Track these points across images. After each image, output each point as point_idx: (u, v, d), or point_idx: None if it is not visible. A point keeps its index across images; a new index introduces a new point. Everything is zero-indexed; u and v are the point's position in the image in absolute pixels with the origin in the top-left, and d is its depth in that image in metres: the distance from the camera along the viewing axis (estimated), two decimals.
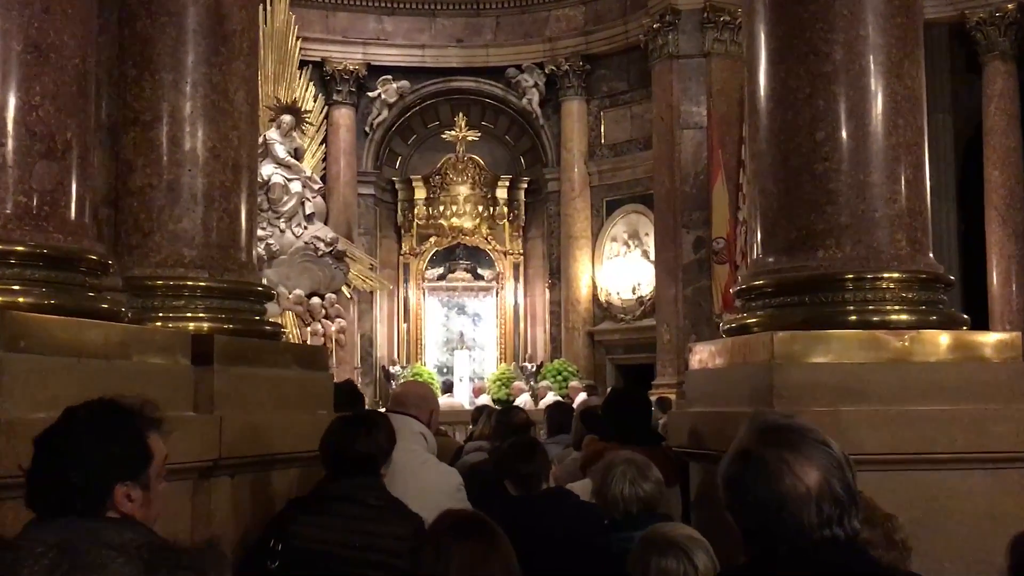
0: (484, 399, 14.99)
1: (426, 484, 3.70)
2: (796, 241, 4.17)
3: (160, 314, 4.08)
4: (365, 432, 3.30)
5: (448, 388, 15.56)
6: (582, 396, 13.58)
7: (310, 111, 16.93)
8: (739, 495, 1.93)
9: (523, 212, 18.96)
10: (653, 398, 13.27)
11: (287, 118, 16.35)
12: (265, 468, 3.92)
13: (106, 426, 2.08)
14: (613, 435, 4.54)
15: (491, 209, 18.64)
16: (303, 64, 17.06)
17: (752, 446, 1.95)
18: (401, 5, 18.31)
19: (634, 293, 17.16)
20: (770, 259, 4.26)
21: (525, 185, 18.97)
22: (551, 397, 14.39)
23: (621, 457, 3.37)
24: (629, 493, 3.27)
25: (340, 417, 3.43)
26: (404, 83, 18.43)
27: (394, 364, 17.61)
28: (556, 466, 4.90)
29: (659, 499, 3.29)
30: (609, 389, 5.77)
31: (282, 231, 16.07)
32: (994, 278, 14.08)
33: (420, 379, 16.72)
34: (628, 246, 17.44)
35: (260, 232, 14.87)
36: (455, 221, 18.42)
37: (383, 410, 4.49)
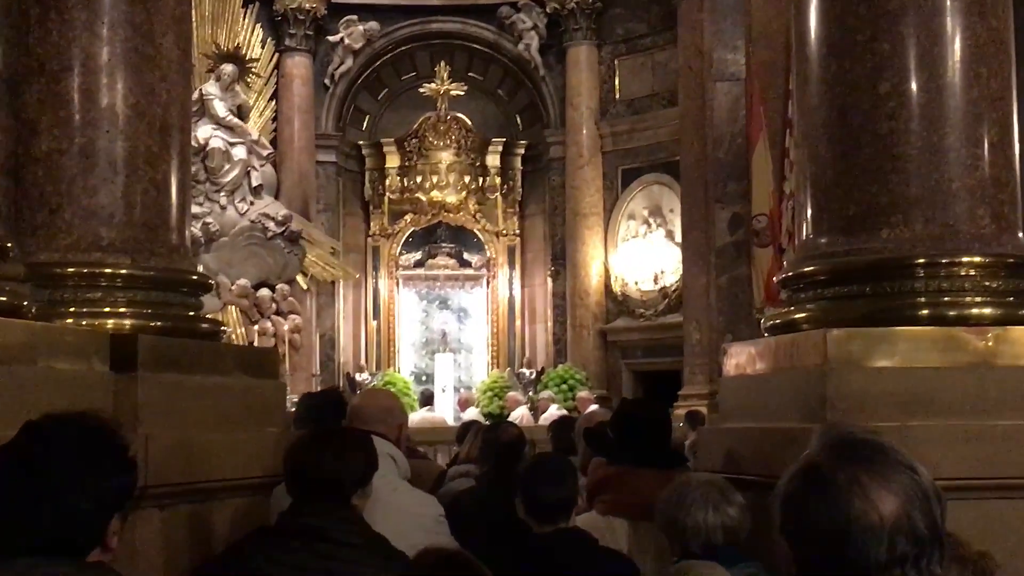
0: (472, 413, 15.01)
1: (400, 516, 3.70)
2: (855, 218, 4.16)
3: (71, 309, 4.06)
4: (334, 451, 3.30)
5: (428, 400, 15.59)
6: (592, 409, 13.59)
7: (257, 60, 16.90)
8: (798, 517, 1.94)
9: (519, 184, 18.98)
10: (680, 412, 13.37)
11: (228, 68, 16.31)
12: (202, 499, 3.91)
13: (93, 446, 2.12)
14: (624, 456, 4.54)
15: (480, 180, 18.64)
16: (248, 2, 17.00)
17: (822, 461, 1.95)
18: None
19: (656, 283, 17.19)
20: (823, 240, 4.26)
21: (522, 151, 18.98)
22: (554, 411, 14.42)
23: (698, 479, 3.40)
24: (713, 521, 3.28)
25: (309, 432, 3.44)
26: (372, 25, 18.42)
27: (361, 371, 17.63)
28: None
29: (745, 528, 3.31)
30: (619, 401, 5.77)
31: (223, 207, 16.06)
32: None
33: (392, 388, 16.78)
34: (649, 225, 17.46)
35: (196, 208, 14.86)
36: (436, 195, 18.43)
37: None
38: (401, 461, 3.90)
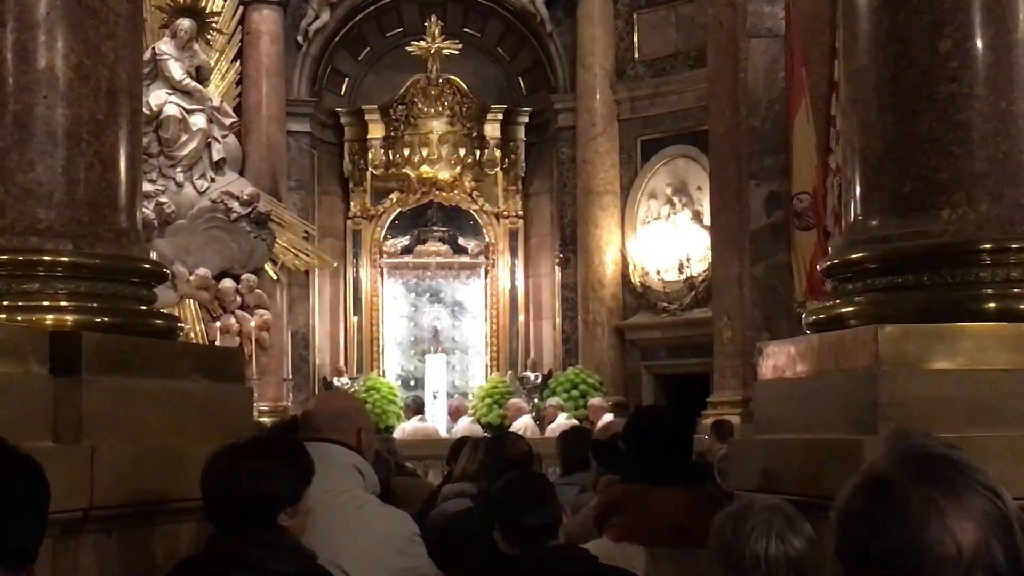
0: (465, 423, 15.02)
1: (367, 537, 3.71)
2: (911, 196, 4.16)
3: (4, 302, 4.07)
4: (253, 465, 3.31)
5: (419, 408, 15.59)
6: (608, 419, 13.61)
7: (218, 14, 16.88)
8: (861, 539, 1.92)
9: (523, 157, 18.98)
10: (707, 422, 13.36)
11: (185, 24, 16.29)
12: (155, 522, 3.92)
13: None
14: (639, 473, 4.53)
15: (477, 153, 18.64)
16: None
17: (893, 477, 1.94)
18: None
19: (681, 272, 17.19)
20: (873, 222, 4.26)
21: (526, 119, 18.98)
22: (562, 421, 14.42)
23: (762, 502, 3.40)
24: (776, 552, 3.27)
25: (227, 445, 3.44)
26: None
27: (340, 374, 17.66)
28: (569, 517, 4.91)
29: (811, 563, 3.31)
30: (633, 409, 5.76)
31: (179, 185, 16.06)
32: None
33: (376, 394, 16.79)
34: (673, 205, 17.46)
35: (148, 186, 14.86)
36: (426, 170, 18.43)
37: None
38: (368, 472, 3.90)
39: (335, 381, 17.24)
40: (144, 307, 4.43)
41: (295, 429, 5.36)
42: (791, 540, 3.23)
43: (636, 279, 17.65)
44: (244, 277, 16.38)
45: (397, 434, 13.74)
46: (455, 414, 16.01)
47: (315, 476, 3.50)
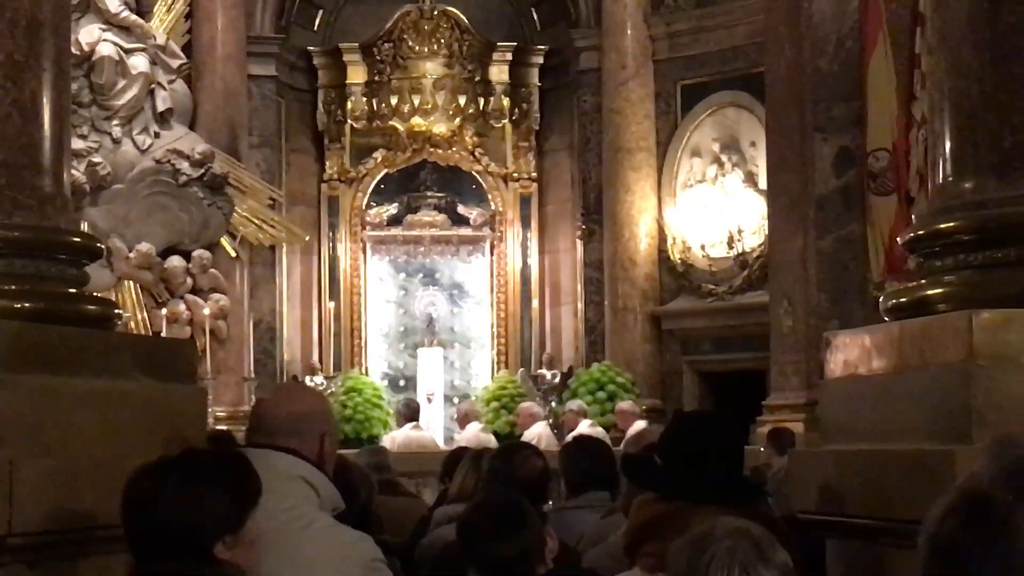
0: (472, 431, 15.01)
1: (314, 564, 3.70)
2: (1012, 153, 4.15)
3: None
4: (180, 486, 3.31)
5: (413, 415, 15.57)
6: (639, 427, 13.57)
7: None
8: (956, 566, 1.94)
9: (536, 107, 18.92)
10: (763, 430, 13.33)
11: None
12: (86, 550, 3.93)
13: None
14: (679, 490, 4.55)
15: (481, 102, 18.61)
16: None
17: (995, 492, 1.95)
18: None
19: (731, 247, 17.17)
20: (967, 185, 4.25)
21: (540, 59, 18.93)
22: (586, 429, 14.40)
23: (725, 526, 3.38)
24: None
25: (153, 462, 3.43)
26: None
27: (314, 372, 17.66)
28: (590, 548, 4.90)
29: None
30: (672, 414, 5.73)
31: (116, 141, 16.04)
32: None
33: (357, 397, 16.80)
34: (721, 165, 17.43)
35: (78, 143, 14.84)
36: (419, 123, 18.40)
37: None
38: (323, 486, 3.89)
39: (307, 380, 17.21)
40: (73, 290, 4.43)
41: (226, 443, 5.37)
42: (760, 572, 3.22)
43: (676, 256, 17.62)
44: (196, 254, 16.36)
45: (386, 445, 13.73)
46: (464, 420, 15.95)
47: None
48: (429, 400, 17.68)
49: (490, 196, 19.04)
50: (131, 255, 15.88)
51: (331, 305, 18.45)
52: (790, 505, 4.99)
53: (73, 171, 14.89)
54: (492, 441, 13.57)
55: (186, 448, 3.55)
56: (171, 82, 16.50)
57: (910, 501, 3.69)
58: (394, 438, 14.84)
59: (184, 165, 16.12)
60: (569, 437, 13.94)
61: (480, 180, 19.03)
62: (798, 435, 11.63)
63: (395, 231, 19.03)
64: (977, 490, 2.01)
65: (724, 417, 5.21)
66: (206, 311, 16.09)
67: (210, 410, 13.15)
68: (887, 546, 4.01)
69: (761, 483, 7.93)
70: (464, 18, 18.46)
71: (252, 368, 17.11)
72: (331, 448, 4.01)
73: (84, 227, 7.02)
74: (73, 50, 13.82)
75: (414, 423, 15.38)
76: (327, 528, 3.82)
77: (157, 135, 16.26)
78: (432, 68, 18.42)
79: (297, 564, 3.66)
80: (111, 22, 16.11)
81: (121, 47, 16.04)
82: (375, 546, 3.92)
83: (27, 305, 4.17)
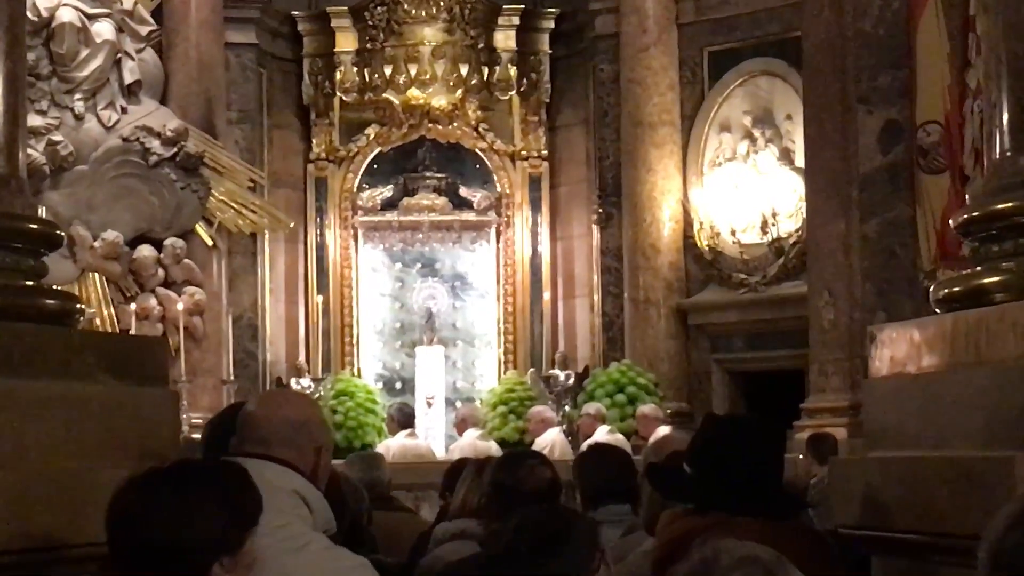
0: (469, 438, 15.02)
1: None
2: None
3: None
4: (172, 502, 3.31)
5: (408, 421, 15.58)
6: (664, 434, 13.57)
7: None
8: None
9: (547, 77, 18.92)
10: (801, 435, 13.33)
11: None
12: (47, 572, 3.93)
13: None
14: (713, 501, 4.56)
15: (485, 72, 18.60)
16: None
17: None
18: None
19: (765, 232, 17.18)
20: None
21: (551, 24, 18.93)
22: (604, 435, 14.42)
23: (731, 553, 3.38)
24: None
25: (142, 474, 3.43)
26: None
27: (300, 374, 17.68)
28: (608, 568, 4.91)
29: None
30: (703, 418, 5.73)
31: (79, 117, 16.06)
32: None
33: (349, 401, 16.80)
34: (753, 140, 17.44)
35: (36, 120, 14.85)
36: (416, 95, 18.41)
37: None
38: (317, 503, 3.90)
39: (293, 383, 17.23)
40: (31, 283, 4.44)
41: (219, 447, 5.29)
42: None
43: (703, 242, 17.63)
44: (168, 243, 16.38)
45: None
46: (461, 425, 15.97)
47: None
48: (429, 404, 17.67)
49: (496, 177, 19.04)
50: (96, 244, 15.89)
51: (319, 299, 18.44)
52: (833, 519, 5.00)
53: (30, 151, 14.98)
54: (492, 449, 13.55)
55: (179, 459, 3.55)
56: (140, 51, 16.51)
57: (965, 514, 3.69)
58: (388, 447, 14.82)
59: (155, 144, 16.12)
60: (585, 444, 14.00)
61: (484, 159, 19.04)
62: (841, 441, 11.64)
63: (390, 216, 19.04)
64: None
65: (761, 421, 5.21)
66: (180, 306, 16.11)
67: (184, 416, 13.17)
68: (939, 564, 4.01)
69: (801, 494, 7.95)
70: None
71: (231, 370, 17.12)
72: (326, 463, 4.03)
73: (43, 213, 7.01)
74: (29, 16, 13.88)
75: (409, 430, 15.37)
76: (323, 551, 3.83)
77: (124, 110, 16.27)
78: (430, 34, 18.41)
79: None
80: None
81: (84, 12, 16.04)
82: (373, 570, 3.94)
83: None
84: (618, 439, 13.69)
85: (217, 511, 3.31)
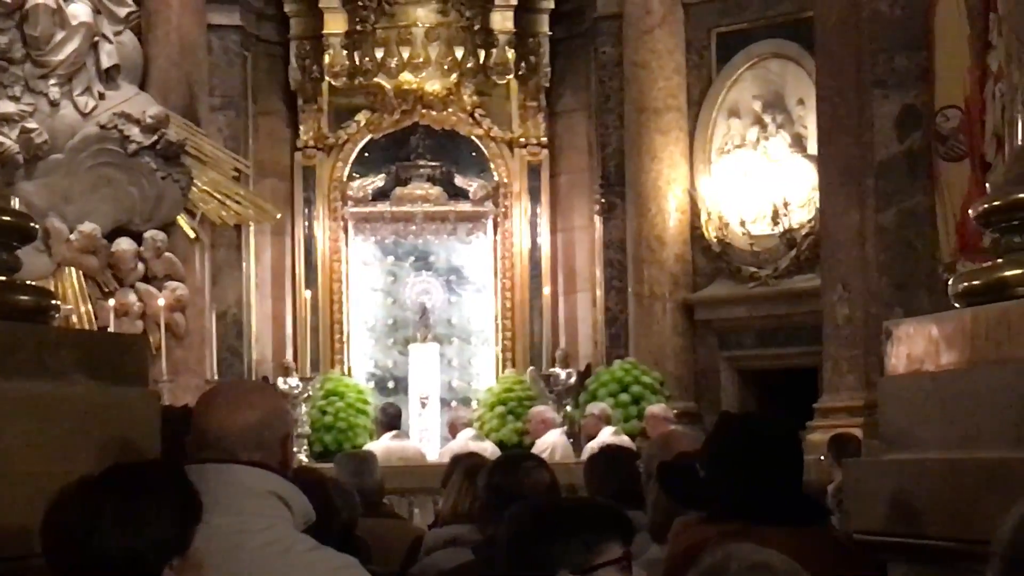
0: (463, 439, 15.02)
1: None
2: None
3: None
4: (117, 509, 3.32)
5: (392, 422, 15.57)
6: (671, 431, 13.59)
7: None
8: None
9: (547, 60, 18.94)
10: (814, 436, 13.34)
11: None
12: None
13: None
14: (730, 507, 4.55)
15: (482, 55, 18.62)
16: None
17: None
18: None
19: (776, 223, 17.20)
20: None
21: (551, 4, 18.96)
22: (608, 437, 14.43)
23: (742, 559, 3.39)
24: None
25: (78, 482, 3.44)
26: None
27: (287, 373, 17.66)
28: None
29: None
30: (718, 416, 5.71)
31: (54, 104, 16.05)
32: None
33: (340, 401, 16.80)
34: (764, 127, 17.47)
35: (9, 106, 14.86)
36: (408, 79, 18.43)
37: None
38: (295, 498, 3.91)
39: (280, 383, 17.22)
40: (3, 278, 4.44)
41: (183, 420, 5.29)
42: None
43: (711, 233, 17.65)
44: (148, 235, 16.38)
45: None
46: (454, 427, 16.00)
47: (219, 514, 3.55)
48: (423, 405, 17.69)
49: (492, 165, 19.06)
50: (72, 237, 15.89)
51: (307, 295, 18.44)
52: (849, 522, 5.01)
53: (3, 139, 15.01)
54: (487, 450, 13.54)
55: (111, 465, 3.55)
56: (118, 34, 16.50)
57: (989, 518, 3.69)
58: (374, 450, 14.84)
59: (134, 131, 16.12)
60: (589, 447, 14.01)
61: (481, 146, 19.06)
62: (860, 443, 11.65)
63: (382, 207, 19.06)
64: None
65: (781, 420, 5.20)
66: (161, 302, 16.11)
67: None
68: (966, 571, 4.01)
69: (821, 498, 7.96)
70: None
71: (215, 369, 17.17)
72: (290, 448, 4.03)
73: (16, 204, 7.02)
74: None
75: (395, 431, 15.39)
76: (309, 552, 3.83)
77: (102, 96, 16.26)
78: (424, 15, 18.44)
79: None
80: None
81: None
82: (365, 572, 3.95)
83: None
84: (624, 441, 13.69)
85: (164, 514, 3.35)
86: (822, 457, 11.35)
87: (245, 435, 3.87)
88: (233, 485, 3.76)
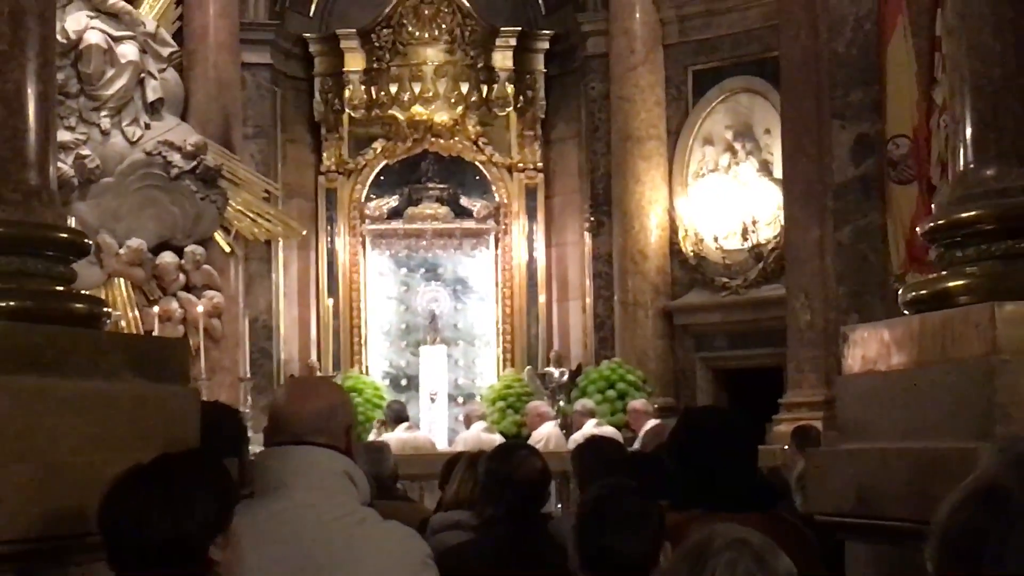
0: (473, 432, 15.00)
1: (377, 562, 3.76)
2: None
3: None
4: (166, 495, 3.34)
5: (397, 416, 15.54)
6: (653, 425, 13.57)
7: None
8: (970, 560, 1.95)
9: (542, 94, 18.93)
10: (780, 428, 13.33)
11: None
12: (77, 560, 3.93)
13: None
14: (692, 496, 4.54)
15: (484, 89, 18.61)
16: None
17: (1009, 484, 1.97)
18: None
19: (746, 239, 17.18)
20: (989, 172, 4.26)
21: (546, 45, 18.93)
22: (590, 429, 14.40)
23: (724, 536, 3.39)
24: None
25: (128, 472, 3.45)
26: None
27: (313, 372, 17.67)
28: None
29: None
30: (682, 412, 5.72)
31: (105, 133, 16.05)
32: None
33: (357, 397, 16.79)
34: (734, 153, 17.44)
35: (65, 135, 14.85)
36: (419, 111, 18.41)
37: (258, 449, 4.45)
38: (360, 479, 3.93)
39: None
40: (60, 288, 4.44)
41: (233, 416, 5.34)
42: None
43: (688, 248, 17.63)
44: (188, 250, 16.38)
45: None
46: (469, 420, 16.00)
47: (298, 490, 3.62)
48: (432, 400, 17.71)
49: (494, 187, 19.05)
50: (121, 251, 15.90)
51: (329, 302, 18.46)
52: (810, 506, 5.01)
53: (60, 164, 14.95)
54: (496, 441, 13.54)
55: (160, 454, 3.57)
56: (162, 71, 16.52)
57: (933, 501, 3.69)
58: (386, 441, 14.84)
59: (176, 157, 16.12)
60: (573, 439, 13.99)
61: (484, 171, 19.05)
62: (819, 434, 11.64)
63: (395, 224, 19.06)
64: (989, 483, 2.02)
65: (735, 413, 5.20)
66: (200, 309, 16.11)
67: None
68: (912, 549, 4.01)
69: (782, 484, 7.94)
70: (466, 2, 18.49)
71: (248, 368, 17.14)
72: (354, 439, 4.07)
73: (72, 222, 7.02)
74: (59, 38, 13.84)
75: (407, 424, 15.39)
76: (379, 524, 3.90)
77: (147, 126, 16.27)
78: (433, 54, 18.44)
79: (361, 563, 3.73)
80: (99, 9, 16.11)
81: (109, 35, 16.05)
82: (425, 543, 4.00)
83: (12, 304, 4.17)
84: (606, 431, 13.66)
85: (207, 497, 3.37)
86: (785, 447, 11.33)
87: (313, 421, 3.90)
88: (315, 465, 3.80)
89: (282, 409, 4.05)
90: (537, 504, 5.29)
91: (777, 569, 3.28)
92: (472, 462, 6.36)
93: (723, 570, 3.20)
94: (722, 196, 17.48)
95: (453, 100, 18.45)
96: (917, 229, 9.46)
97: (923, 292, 4.44)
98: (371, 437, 15.43)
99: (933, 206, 10.63)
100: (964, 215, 4.30)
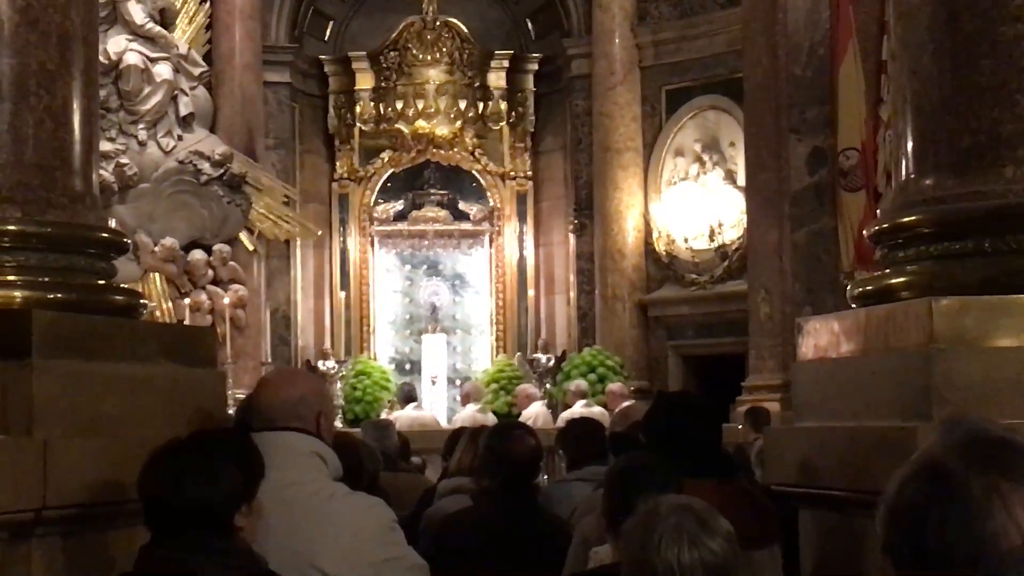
0: (468, 411, 15.01)
1: (344, 531, 3.78)
2: (970, 152, 4.16)
3: None
4: (198, 467, 3.36)
5: (409, 397, 15.60)
6: (627, 406, 13.58)
7: None
8: (915, 532, 1.94)
9: (532, 110, 18.94)
10: (742, 409, 13.35)
11: None
12: (117, 524, 3.94)
13: None
14: None
15: (480, 106, 18.61)
16: None
17: (950, 462, 1.96)
18: None
19: (712, 240, 17.18)
20: (928, 181, 4.26)
21: (535, 66, 18.93)
22: (580, 408, 14.43)
23: (668, 504, 3.41)
24: (690, 559, 3.29)
25: (168, 444, 3.47)
26: None
27: (325, 357, 17.68)
28: (584, 516, 4.93)
29: (733, 566, 3.35)
30: (655, 395, 5.76)
31: (142, 143, 16.03)
32: None
33: (367, 379, 16.81)
34: (702, 164, 17.44)
35: (106, 145, 14.84)
36: (422, 125, 18.40)
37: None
38: (330, 457, 3.94)
39: (320, 365, 17.26)
40: (102, 282, 4.44)
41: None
42: (706, 543, 3.24)
43: (661, 248, 17.64)
44: (216, 248, 16.37)
45: None
46: (466, 399, 16.02)
47: (275, 470, 3.60)
48: (433, 383, 17.75)
49: (489, 193, 19.04)
50: (156, 249, 15.90)
51: (342, 295, 18.47)
52: (767, 478, 5.02)
53: (102, 171, 14.92)
54: (489, 420, 13.55)
55: (195, 430, 3.59)
56: (193, 88, 16.51)
57: (876, 474, 3.71)
58: (397, 418, 14.86)
59: (205, 165, 16.12)
60: (562, 416, 14.01)
61: (479, 178, 19.04)
62: (774, 414, 11.65)
63: (401, 226, 19.05)
64: (932, 461, 2.01)
65: (702, 398, 5.24)
66: (226, 301, 16.12)
67: (230, 392, 13.17)
68: (855, 516, 4.03)
69: (745, 458, 7.97)
70: (464, 28, 18.48)
71: (269, 354, 17.14)
72: (327, 423, 4.06)
73: (112, 223, 7.01)
74: (101, 59, 13.87)
75: (415, 403, 15.45)
76: (347, 497, 3.92)
77: (180, 138, 16.26)
78: (435, 75, 18.43)
79: (330, 533, 3.75)
80: (137, 33, 16.10)
81: (146, 56, 16.03)
82: (389, 509, 4.02)
83: (59, 296, 4.18)
84: (595, 411, 13.69)
85: (235, 470, 3.39)
86: (740, 426, 11.36)
87: (285, 408, 3.92)
88: (286, 447, 3.81)
89: (256, 400, 4.09)
90: (530, 477, 5.33)
91: (717, 529, 3.30)
92: (474, 436, 6.42)
93: (670, 532, 3.22)
94: (692, 202, 17.48)
95: (452, 115, 18.45)
96: (864, 232, 9.48)
97: (869, 288, 4.45)
98: (382, 415, 15.46)
99: (878, 212, 10.68)
100: (905, 220, 4.31)
